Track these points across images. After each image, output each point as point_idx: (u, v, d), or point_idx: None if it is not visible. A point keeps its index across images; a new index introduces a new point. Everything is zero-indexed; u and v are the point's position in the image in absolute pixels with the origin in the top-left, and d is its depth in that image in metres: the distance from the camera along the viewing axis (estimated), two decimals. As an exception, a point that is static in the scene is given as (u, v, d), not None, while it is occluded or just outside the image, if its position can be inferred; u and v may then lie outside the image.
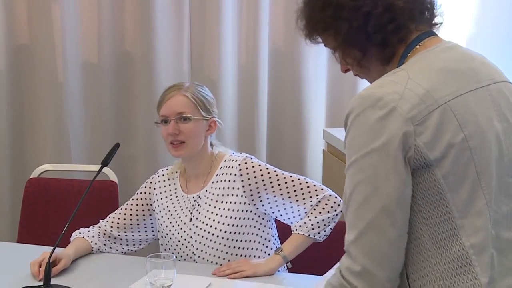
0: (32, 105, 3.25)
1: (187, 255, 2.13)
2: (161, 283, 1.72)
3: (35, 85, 3.22)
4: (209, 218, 2.11)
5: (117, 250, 2.23)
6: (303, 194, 2.07)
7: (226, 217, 2.08)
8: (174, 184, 2.21)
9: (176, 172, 2.23)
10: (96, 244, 2.19)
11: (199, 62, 3.28)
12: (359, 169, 1.22)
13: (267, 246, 2.14)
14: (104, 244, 2.20)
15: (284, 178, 2.08)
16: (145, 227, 2.25)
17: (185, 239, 2.14)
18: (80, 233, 2.21)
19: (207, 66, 3.27)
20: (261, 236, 2.13)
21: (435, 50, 1.31)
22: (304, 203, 2.06)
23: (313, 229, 2.03)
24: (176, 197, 2.20)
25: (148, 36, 3.19)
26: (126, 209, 2.24)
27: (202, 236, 2.11)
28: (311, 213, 2.05)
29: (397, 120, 1.19)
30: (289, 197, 2.07)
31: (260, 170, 2.09)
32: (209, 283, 1.94)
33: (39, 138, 3.25)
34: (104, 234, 2.21)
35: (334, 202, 2.06)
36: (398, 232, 1.21)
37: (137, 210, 2.23)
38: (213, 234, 2.09)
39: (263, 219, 2.13)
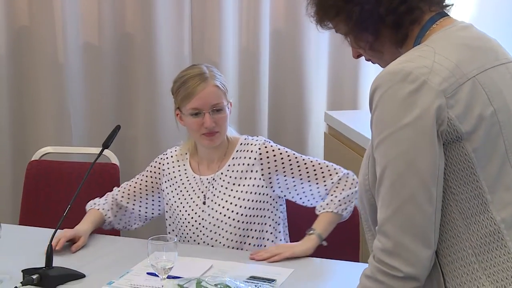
0: (32, 87, 3.24)
1: (197, 236, 2.14)
2: (162, 265, 1.72)
3: (36, 66, 3.21)
4: (226, 201, 2.11)
5: (124, 225, 2.26)
6: (322, 173, 2.09)
7: (243, 199, 2.09)
8: (184, 165, 2.20)
9: (186, 153, 2.22)
10: (109, 217, 2.21)
11: (199, 43, 3.26)
12: (391, 145, 1.20)
13: (275, 229, 2.15)
14: (115, 216, 2.22)
15: (303, 160, 2.11)
16: (153, 204, 2.26)
17: (195, 221, 2.14)
18: (94, 203, 2.23)
19: (207, 48, 3.25)
20: (273, 219, 2.13)
21: (453, 29, 1.31)
22: (325, 182, 2.09)
23: (340, 205, 2.05)
24: (187, 178, 2.19)
25: (148, 18, 3.18)
26: (137, 180, 2.26)
27: (217, 219, 2.11)
28: (334, 191, 2.08)
29: (429, 94, 1.19)
30: (308, 178, 2.09)
31: (280, 153, 2.10)
32: (211, 265, 1.94)
33: (40, 120, 3.25)
34: (116, 203, 2.23)
35: (353, 179, 2.09)
36: (434, 207, 1.20)
37: (146, 186, 2.24)
38: (228, 217, 2.09)
39: (276, 202, 2.14)
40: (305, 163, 2.10)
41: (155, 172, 2.24)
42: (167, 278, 1.74)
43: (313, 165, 2.10)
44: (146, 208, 2.26)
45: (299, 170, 2.10)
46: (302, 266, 1.97)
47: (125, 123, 3.13)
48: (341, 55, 3.29)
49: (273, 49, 3.31)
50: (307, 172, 2.09)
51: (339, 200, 2.06)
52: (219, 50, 3.23)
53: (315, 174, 2.09)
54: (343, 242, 2.14)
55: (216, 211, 2.11)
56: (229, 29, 3.23)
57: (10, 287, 1.78)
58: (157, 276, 1.75)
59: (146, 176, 2.25)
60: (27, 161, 2.72)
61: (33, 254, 2.01)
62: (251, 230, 2.11)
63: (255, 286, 1.81)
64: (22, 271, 1.84)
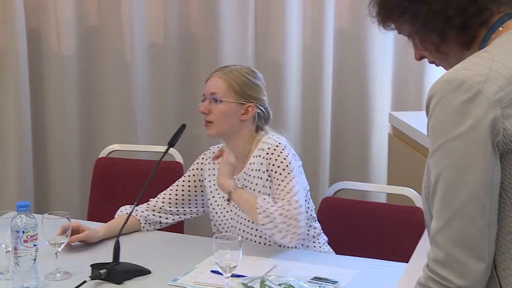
0: (100, 86, 3.31)
1: (232, 233, 2.15)
2: (227, 263, 1.73)
3: (104, 65, 3.28)
4: None
5: (167, 221, 2.25)
6: (280, 193, 2.01)
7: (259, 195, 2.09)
8: (219, 163, 2.21)
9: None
10: (141, 217, 2.21)
11: (263, 43, 3.27)
12: (444, 155, 1.18)
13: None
14: (154, 215, 2.23)
15: (288, 183, 2.02)
16: (196, 202, 2.28)
17: (227, 218, 2.18)
18: (121, 211, 2.24)
19: (271, 47, 3.26)
20: None
21: None
22: (274, 198, 2.03)
23: (264, 211, 1.97)
24: None
25: (213, 18, 3.21)
26: (177, 185, 2.28)
27: (237, 221, 2.14)
28: (278, 207, 1.98)
29: (483, 103, 1.16)
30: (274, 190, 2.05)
31: (282, 163, 2.05)
32: (274, 265, 1.95)
33: (107, 118, 3.32)
34: (154, 209, 2.25)
35: (290, 218, 1.97)
36: (487, 220, 1.17)
37: (189, 186, 2.27)
38: (248, 220, 2.12)
39: None
40: (285, 184, 2.01)
41: (197, 169, 2.28)
42: (231, 276, 1.76)
43: (286, 186, 2.01)
44: (190, 208, 2.28)
45: (278, 184, 2.03)
46: (366, 268, 1.96)
47: (190, 122, 3.13)
48: (406, 55, 3.24)
49: (337, 49, 3.29)
50: (277, 189, 2.03)
51: (270, 210, 1.96)
52: (283, 49, 3.23)
53: (278, 191, 2.02)
54: (408, 244, 2.11)
55: (239, 212, 2.14)
56: (293, 28, 3.23)
57: (79, 281, 1.82)
58: (221, 274, 1.76)
59: (189, 176, 2.28)
60: (95, 158, 2.78)
61: (101, 249, 2.07)
62: None
63: (319, 287, 1.80)
64: (91, 265, 1.89)
